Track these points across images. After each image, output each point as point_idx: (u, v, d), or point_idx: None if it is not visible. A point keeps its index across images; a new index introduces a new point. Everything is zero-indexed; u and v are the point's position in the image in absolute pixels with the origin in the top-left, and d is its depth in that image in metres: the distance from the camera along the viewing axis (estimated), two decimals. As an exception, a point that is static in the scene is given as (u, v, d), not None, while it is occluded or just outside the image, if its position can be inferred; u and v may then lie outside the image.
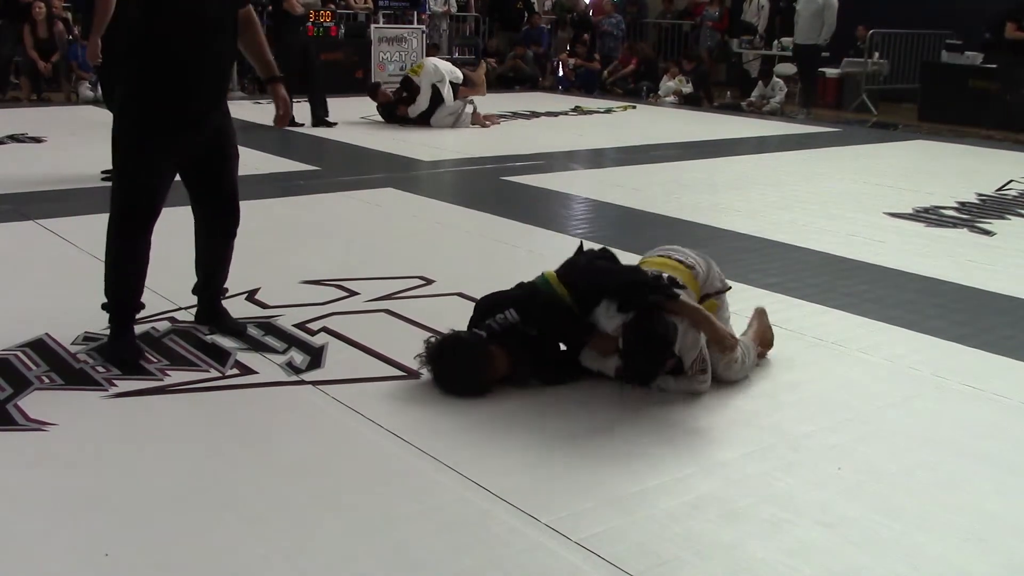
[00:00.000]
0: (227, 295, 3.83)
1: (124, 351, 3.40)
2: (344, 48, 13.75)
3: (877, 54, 13.67)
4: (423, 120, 9.89)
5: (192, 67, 3.31)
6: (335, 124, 9.74)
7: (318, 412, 3.08)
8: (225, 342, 3.61)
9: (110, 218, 3.41)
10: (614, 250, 3.62)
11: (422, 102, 9.83)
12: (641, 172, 7.86)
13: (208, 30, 3.32)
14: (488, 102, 10.80)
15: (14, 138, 8.36)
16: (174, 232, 5.39)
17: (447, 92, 9.79)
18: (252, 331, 3.72)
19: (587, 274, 3.36)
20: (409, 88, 9.99)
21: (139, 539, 2.32)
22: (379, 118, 10.25)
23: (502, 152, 8.55)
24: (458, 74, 9.98)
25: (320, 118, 9.73)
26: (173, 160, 3.42)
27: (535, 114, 11.61)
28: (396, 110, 10.07)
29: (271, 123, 3.95)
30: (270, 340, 3.65)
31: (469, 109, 10.12)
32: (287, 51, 8.92)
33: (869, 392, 3.37)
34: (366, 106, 10.52)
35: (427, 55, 13.38)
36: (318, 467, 2.71)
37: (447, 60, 11.35)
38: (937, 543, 2.43)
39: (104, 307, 3.47)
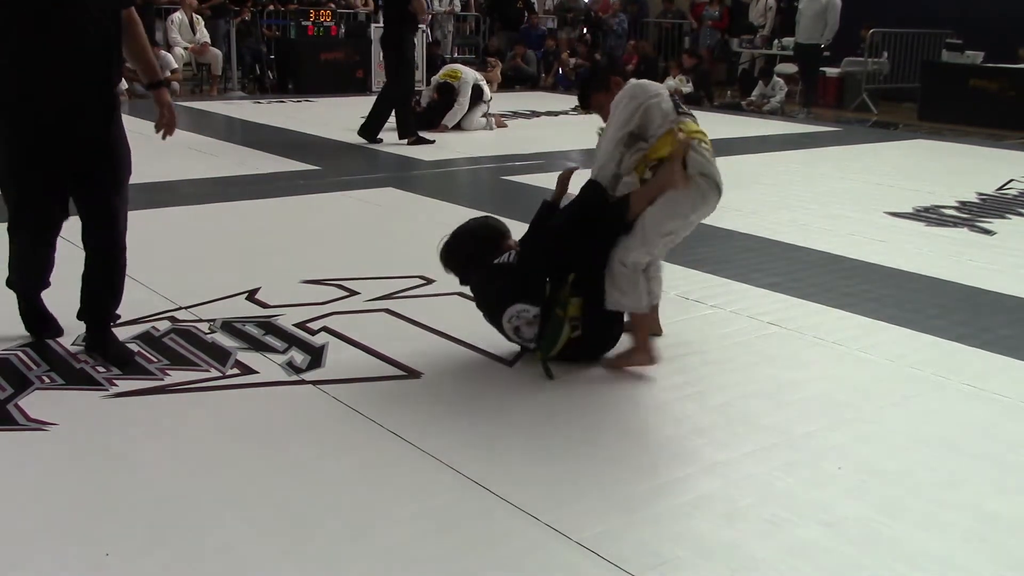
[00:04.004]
0: (118, 323, 3.61)
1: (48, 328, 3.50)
2: (344, 48, 13.76)
3: (886, 54, 13.67)
4: (455, 126, 9.77)
5: (54, 73, 3.05)
6: (380, 141, 8.89)
7: (318, 412, 3.08)
8: (225, 341, 3.61)
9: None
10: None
11: (463, 104, 9.66)
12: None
13: (69, 32, 3.05)
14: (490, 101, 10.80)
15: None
16: (174, 232, 5.40)
17: (486, 90, 9.84)
18: (252, 330, 3.73)
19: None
20: (449, 94, 9.71)
21: (139, 539, 2.32)
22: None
23: (502, 152, 8.55)
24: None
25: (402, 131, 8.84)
26: (50, 171, 3.18)
27: (535, 113, 11.61)
28: (434, 121, 9.66)
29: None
30: (270, 340, 3.65)
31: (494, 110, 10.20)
32: (407, 59, 8.65)
33: (869, 392, 3.37)
34: (366, 106, 10.49)
35: (427, 54, 13.43)
36: (318, 467, 2.71)
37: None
38: (937, 542, 2.43)
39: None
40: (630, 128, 3.37)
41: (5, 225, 3.40)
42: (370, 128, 8.83)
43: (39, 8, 2.97)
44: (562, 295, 3.40)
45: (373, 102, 9.01)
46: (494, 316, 3.51)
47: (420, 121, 9.67)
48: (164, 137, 3.55)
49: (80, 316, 3.48)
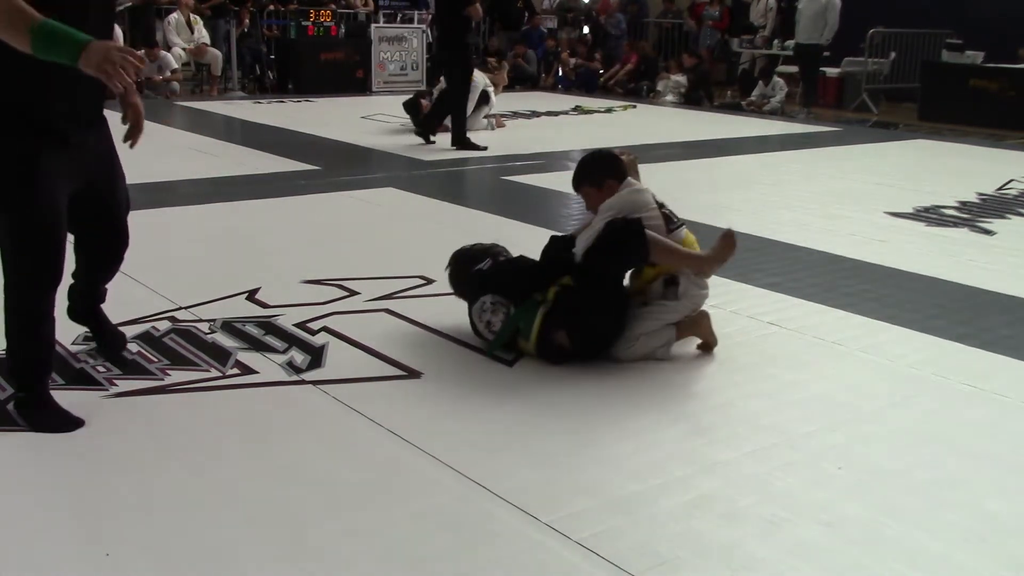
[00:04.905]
0: (118, 323, 3.54)
1: (65, 420, 2.90)
2: (344, 48, 13.77)
3: (893, 54, 13.65)
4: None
5: (67, 72, 2.63)
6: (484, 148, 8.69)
7: (318, 412, 3.08)
8: (225, 341, 3.61)
9: (10, 274, 2.82)
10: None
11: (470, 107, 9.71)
12: (642, 172, 7.83)
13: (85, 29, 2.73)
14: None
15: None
16: (174, 232, 5.40)
17: (492, 95, 9.88)
18: (252, 330, 3.73)
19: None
20: None
21: (139, 539, 2.32)
22: (380, 119, 10.21)
23: (502, 152, 8.55)
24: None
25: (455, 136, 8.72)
26: (66, 186, 2.85)
27: (535, 114, 11.61)
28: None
29: (128, 138, 3.13)
30: (270, 340, 3.65)
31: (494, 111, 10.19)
32: (467, 62, 8.62)
33: (869, 392, 3.37)
34: (366, 106, 10.52)
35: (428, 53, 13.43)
36: (318, 467, 2.71)
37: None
38: (937, 542, 2.43)
39: (12, 376, 2.98)
40: None
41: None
42: (459, 137, 8.67)
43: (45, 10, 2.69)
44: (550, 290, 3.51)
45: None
46: (471, 318, 3.63)
47: (431, 122, 9.69)
48: (132, 145, 3.12)
49: (70, 295, 3.35)
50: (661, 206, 3.67)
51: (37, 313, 2.87)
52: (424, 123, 8.96)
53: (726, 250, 3.58)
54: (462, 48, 8.58)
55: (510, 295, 3.53)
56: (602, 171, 3.73)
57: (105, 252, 3.24)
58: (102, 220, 3.12)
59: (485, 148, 8.63)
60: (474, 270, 3.75)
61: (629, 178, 3.74)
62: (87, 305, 3.40)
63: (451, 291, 3.96)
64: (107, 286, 3.41)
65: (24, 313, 2.87)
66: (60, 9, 2.75)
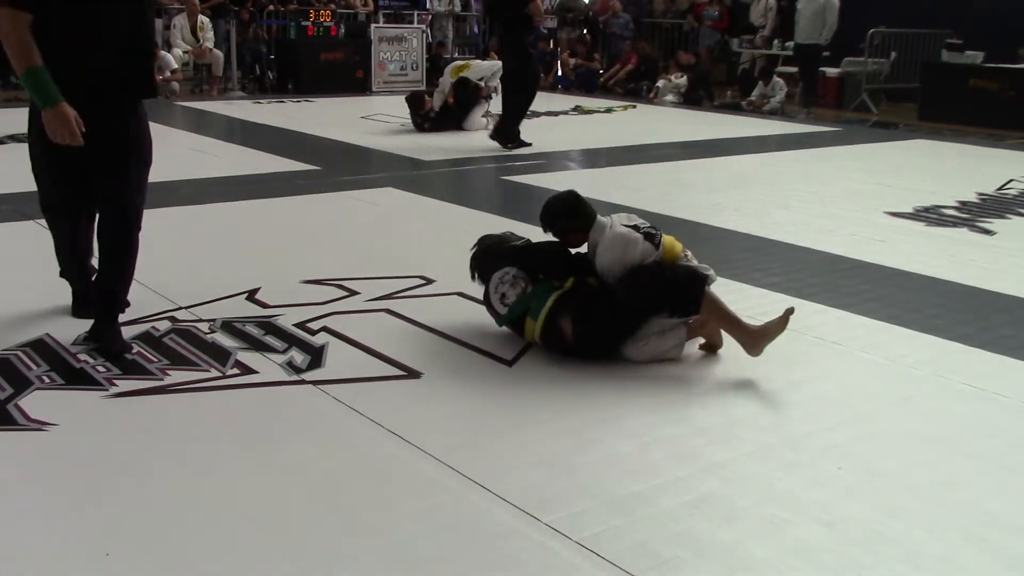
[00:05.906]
0: (126, 310, 3.64)
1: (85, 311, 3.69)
2: (344, 48, 13.77)
3: (894, 54, 13.64)
4: (455, 125, 9.72)
5: (90, 45, 3.25)
6: (528, 144, 8.74)
7: (318, 412, 3.08)
8: (225, 341, 3.61)
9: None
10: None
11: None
12: (641, 172, 7.86)
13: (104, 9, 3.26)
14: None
15: (14, 138, 8.36)
16: (174, 232, 5.40)
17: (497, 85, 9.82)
18: (252, 330, 3.73)
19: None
20: (465, 90, 9.71)
21: (139, 539, 2.32)
22: (380, 119, 10.20)
23: (502, 152, 8.55)
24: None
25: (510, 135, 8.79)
26: (69, 154, 3.34)
27: (535, 114, 11.59)
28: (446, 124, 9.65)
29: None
30: (270, 340, 3.65)
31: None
32: (529, 59, 8.61)
33: (869, 392, 3.37)
34: (366, 106, 10.51)
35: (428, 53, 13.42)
36: (318, 467, 2.71)
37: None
38: (937, 542, 2.43)
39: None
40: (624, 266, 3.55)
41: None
42: (510, 134, 8.67)
43: None
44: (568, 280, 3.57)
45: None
46: (487, 288, 3.69)
47: (433, 124, 9.64)
48: None
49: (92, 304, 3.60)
50: (636, 228, 3.62)
51: (56, 232, 3.70)
52: (506, 133, 8.77)
53: (780, 327, 3.51)
54: (522, 47, 8.54)
55: (535, 274, 3.59)
56: (566, 223, 3.72)
57: (107, 233, 3.48)
58: (104, 195, 3.44)
59: (530, 144, 8.67)
60: (509, 245, 3.82)
61: (599, 218, 3.66)
62: (102, 315, 3.52)
63: (451, 291, 3.96)
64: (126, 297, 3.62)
65: (55, 235, 3.73)
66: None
